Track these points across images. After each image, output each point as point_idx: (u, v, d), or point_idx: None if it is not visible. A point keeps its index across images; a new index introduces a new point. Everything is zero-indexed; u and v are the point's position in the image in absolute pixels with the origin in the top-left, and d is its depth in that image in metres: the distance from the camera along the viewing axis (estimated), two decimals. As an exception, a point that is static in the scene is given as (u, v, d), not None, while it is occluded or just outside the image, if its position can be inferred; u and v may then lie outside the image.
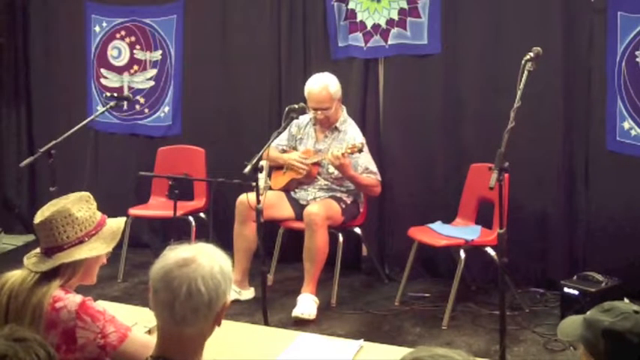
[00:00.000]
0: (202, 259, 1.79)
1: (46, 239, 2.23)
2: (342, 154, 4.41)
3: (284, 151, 4.83)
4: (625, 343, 1.85)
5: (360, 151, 4.47)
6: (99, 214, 2.32)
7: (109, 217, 2.38)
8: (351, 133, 4.68)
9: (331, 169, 4.63)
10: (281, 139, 4.75)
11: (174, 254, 1.80)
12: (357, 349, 2.58)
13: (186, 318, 1.75)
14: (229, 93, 5.55)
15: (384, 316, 4.47)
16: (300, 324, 4.26)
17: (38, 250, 2.27)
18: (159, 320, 1.80)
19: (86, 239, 2.25)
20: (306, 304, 4.40)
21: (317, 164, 4.69)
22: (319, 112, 4.62)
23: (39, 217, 2.24)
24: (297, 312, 4.36)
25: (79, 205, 2.26)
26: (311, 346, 2.63)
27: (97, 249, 2.26)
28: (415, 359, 1.54)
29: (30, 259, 2.25)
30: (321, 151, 4.69)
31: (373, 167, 4.68)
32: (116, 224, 2.36)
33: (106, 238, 2.30)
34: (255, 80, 5.44)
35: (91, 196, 2.33)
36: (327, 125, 4.73)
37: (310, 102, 4.62)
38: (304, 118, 4.71)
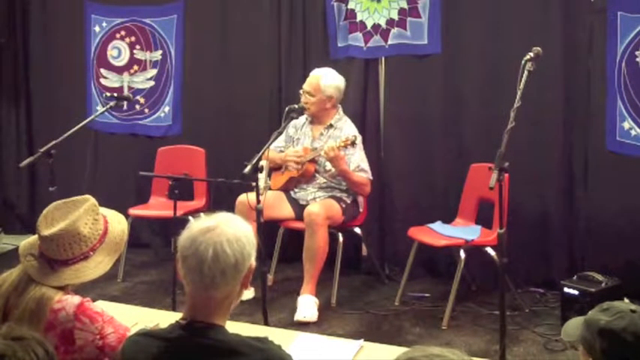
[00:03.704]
0: (225, 225, 1.89)
1: (49, 250, 2.20)
2: (337, 147, 4.43)
3: (282, 152, 4.85)
4: (620, 342, 1.85)
5: (354, 144, 4.48)
6: (102, 221, 2.28)
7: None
8: (346, 129, 4.69)
9: (328, 165, 4.63)
10: (279, 141, 4.74)
11: (199, 224, 1.89)
12: (357, 349, 2.58)
13: (215, 280, 1.84)
14: (229, 93, 5.55)
15: (384, 316, 4.47)
16: (301, 324, 4.26)
17: (36, 247, 2.23)
18: (188, 286, 1.88)
19: (91, 254, 2.23)
20: (307, 307, 4.40)
21: (314, 161, 4.69)
22: (304, 95, 4.67)
23: (44, 226, 2.19)
24: (299, 316, 4.36)
25: (86, 218, 2.23)
26: (311, 346, 2.63)
27: (102, 264, 2.24)
28: (409, 359, 1.53)
29: (29, 261, 2.21)
30: (317, 149, 4.70)
31: (365, 165, 4.68)
32: (119, 233, 2.32)
33: (110, 250, 2.28)
34: (255, 80, 5.44)
35: (96, 204, 2.29)
36: (319, 120, 4.75)
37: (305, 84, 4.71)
38: (301, 119, 4.73)
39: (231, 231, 1.88)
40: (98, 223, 2.26)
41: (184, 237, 1.88)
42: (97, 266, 2.23)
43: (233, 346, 1.85)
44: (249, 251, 1.89)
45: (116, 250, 2.30)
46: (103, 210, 2.33)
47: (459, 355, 1.54)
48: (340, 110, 4.80)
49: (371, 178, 4.72)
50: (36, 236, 2.27)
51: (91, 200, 2.28)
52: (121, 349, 1.98)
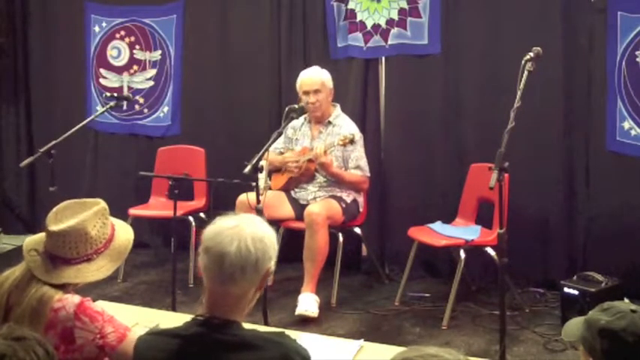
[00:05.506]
0: (251, 224, 1.94)
1: (54, 247, 2.20)
2: (325, 151, 4.46)
3: (281, 154, 4.85)
4: (620, 342, 1.85)
5: (352, 141, 4.49)
6: (109, 227, 2.30)
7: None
8: (345, 126, 4.70)
9: None
10: (278, 143, 4.74)
11: (225, 219, 1.95)
12: (357, 349, 2.59)
13: (234, 276, 1.87)
14: (229, 93, 5.55)
15: (384, 316, 4.47)
16: (301, 324, 4.26)
17: (41, 244, 2.23)
18: (208, 280, 1.92)
19: (94, 257, 2.23)
20: (308, 302, 4.40)
21: (313, 160, 4.69)
22: (311, 96, 4.63)
23: (53, 222, 2.20)
24: (300, 310, 4.37)
25: (95, 221, 2.24)
26: (311, 346, 2.61)
27: (103, 269, 2.25)
28: (405, 359, 1.53)
29: (32, 256, 2.21)
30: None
31: (363, 163, 4.69)
32: (124, 242, 2.33)
33: (113, 256, 2.29)
34: (255, 80, 5.44)
35: (107, 209, 2.30)
36: (320, 119, 4.75)
37: (303, 87, 4.68)
38: (299, 120, 4.73)
39: (257, 230, 1.93)
40: (106, 227, 2.28)
41: (210, 229, 1.93)
42: (98, 270, 2.24)
43: (249, 341, 1.88)
44: (271, 254, 1.94)
45: (119, 258, 2.31)
46: (113, 219, 2.35)
47: (455, 355, 1.54)
48: (338, 107, 4.81)
49: (368, 175, 4.73)
50: (42, 234, 2.27)
51: (102, 204, 2.30)
52: (134, 350, 1.98)
